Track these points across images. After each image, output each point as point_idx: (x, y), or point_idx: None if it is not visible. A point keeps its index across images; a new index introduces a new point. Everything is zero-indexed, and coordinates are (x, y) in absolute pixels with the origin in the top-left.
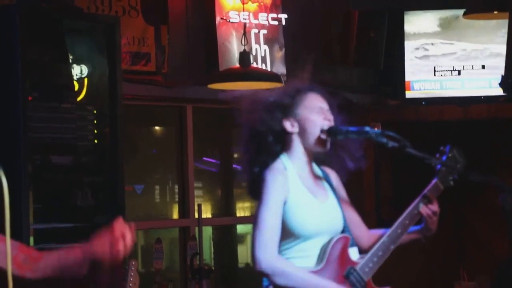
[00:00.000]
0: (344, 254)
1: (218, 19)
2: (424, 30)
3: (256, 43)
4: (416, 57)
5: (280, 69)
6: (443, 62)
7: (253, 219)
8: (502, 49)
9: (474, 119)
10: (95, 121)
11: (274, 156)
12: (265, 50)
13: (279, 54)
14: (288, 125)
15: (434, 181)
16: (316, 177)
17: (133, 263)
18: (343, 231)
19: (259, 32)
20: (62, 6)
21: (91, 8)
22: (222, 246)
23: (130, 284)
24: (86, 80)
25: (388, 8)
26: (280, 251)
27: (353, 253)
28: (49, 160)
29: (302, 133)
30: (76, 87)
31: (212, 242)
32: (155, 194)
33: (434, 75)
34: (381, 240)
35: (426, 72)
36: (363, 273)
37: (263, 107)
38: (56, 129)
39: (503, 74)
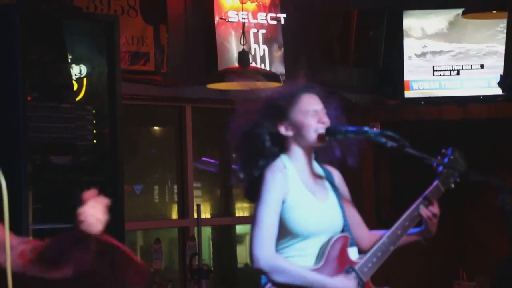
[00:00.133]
0: (343, 253)
1: (217, 18)
2: (423, 29)
3: (255, 42)
4: (415, 56)
5: (279, 68)
6: (442, 61)
7: (252, 215)
8: (501, 48)
9: (474, 119)
10: (94, 121)
11: (273, 157)
12: (264, 50)
13: (278, 53)
14: (283, 129)
15: (435, 183)
16: (317, 176)
17: None
18: (343, 231)
19: (258, 31)
20: (62, 5)
21: (90, 7)
22: (221, 246)
23: None
24: (85, 79)
25: (387, 8)
26: (279, 250)
27: (352, 253)
28: (49, 160)
29: (297, 136)
30: (75, 87)
31: (211, 242)
32: (154, 194)
33: (433, 75)
34: (381, 241)
35: (425, 71)
36: (362, 273)
37: (259, 111)
38: (56, 129)
39: (502, 73)
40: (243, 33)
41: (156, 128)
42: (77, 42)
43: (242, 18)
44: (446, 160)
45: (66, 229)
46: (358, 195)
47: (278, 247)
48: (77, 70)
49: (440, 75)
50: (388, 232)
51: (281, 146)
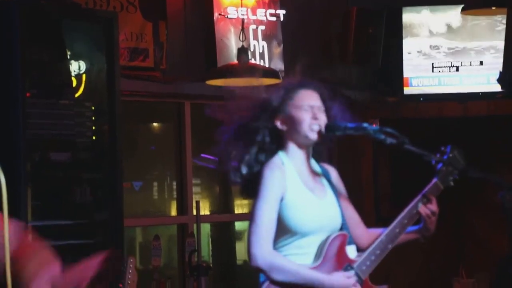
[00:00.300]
0: (341, 251)
1: (216, 15)
2: (422, 26)
3: (254, 39)
4: (414, 53)
5: (278, 65)
6: (441, 58)
7: (250, 212)
8: (500, 45)
9: (473, 115)
10: (93, 118)
11: (269, 154)
12: (263, 46)
13: (277, 50)
14: (279, 123)
15: (434, 180)
16: (315, 173)
17: (131, 260)
18: (341, 229)
19: (257, 28)
20: (61, 3)
21: (89, 3)
22: (220, 243)
23: (128, 282)
24: (84, 76)
25: (387, 6)
26: (277, 248)
27: (351, 251)
28: (48, 157)
29: (291, 131)
30: (74, 83)
31: (210, 239)
32: (153, 190)
33: (432, 71)
34: (379, 239)
35: (424, 68)
36: (360, 271)
37: (258, 106)
38: (55, 125)
39: (501, 70)
40: (242, 29)
41: (155, 124)
42: (76, 39)
43: (241, 15)
44: (445, 157)
45: (64, 225)
46: (357, 193)
47: (277, 245)
48: (76, 67)
49: (439, 71)
50: (387, 230)
51: (278, 142)
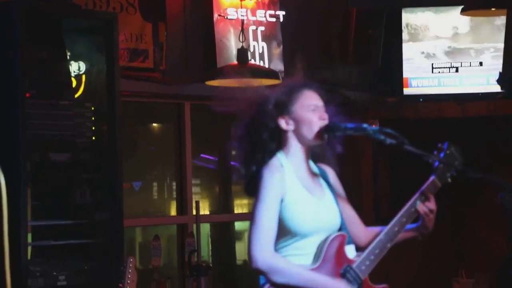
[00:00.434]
0: (340, 252)
1: (215, 16)
2: (421, 27)
3: (254, 40)
4: (414, 54)
5: (278, 66)
6: (441, 59)
7: (250, 215)
8: (500, 45)
9: (473, 116)
10: (93, 118)
11: (271, 153)
12: (263, 47)
13: (277, 51)
14: (283, 123)
15: (431, 178)
16: (313, 174)
17: (131, 260)
18: (340, 229)
19: (257, 29)
20: (60, 3)
21: (89, 4)
22: (220, 243)
23: (128, 281)
24: (84, 77)
25: (386, 6)
26: (277, 249)
27: (350, 251)
28: (47, 157)
29: (298, 131)
30: (74, 84)
31: (210, 239)
32: (153, 191)
33: (432, 72)
34: (378, 238)
35: (424, 69)
36: (360, 271)
37: (259, 104)
38: (54, 126)
39: (501, 71)
40: (242, 30)
41: (155, 125)
42: (76, 39)
43: (241, 15)
44: (442, 155)
45: (64, 226)
46: (357, 193)
47: (276, 246)
48: (76, 67)
49: (439, 72)
50: (385, 229)
51: (279, 141)
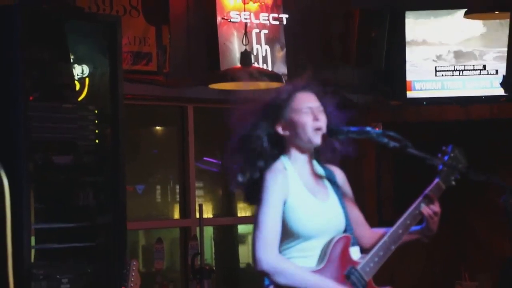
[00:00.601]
0: (345, 253)
1: (219, 19)
2: (425, 30)
3: (257, 43)
4: (417, 56)
5: (281, 69)
6: (445, 62)
7: (254, 218)
8: (504, 49)
9: (476, 119)
10: (96, 121)
11: (271, 160)
12: (266, 50)
13: (280, 54)
14: (280, 129)
15: (435, 181)
16: (318, 176)
17: (134, 263)
18: (345, 231)
19: (260, 32)
20: (63, 6)
21: (92, 7)
22: (223, 246)
23: (131, 284)
24: (87, 80)
25: (390, 8)
26: (281, 251)
27: (354, 253)
28: (51, 160)
29: (294, 135)
30: (77, 87)
31: (213, 242)
32: (156, 194)
33: (435, 75)
34: (382, 240)
35: (427, 72)
36: (364, 273)
37: (256, 113)
38: (57, 129)
39: (504, 74)
40: (245, 33)
41: (158, 128)
42: (79, 42)
43: (244, 19)
44: (446, 157)
45: (67, 229)
46: (360, 196)
47: (281, 248)
48: (79, 70)
49: (442, 75)
50: (390, 231)
51: (280, 147)
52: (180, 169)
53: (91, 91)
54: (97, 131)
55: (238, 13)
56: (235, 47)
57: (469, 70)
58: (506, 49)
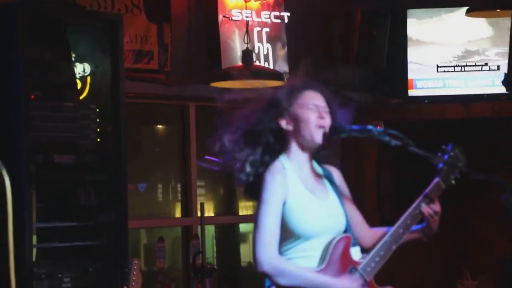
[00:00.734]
0: (346, 254)
1: (220, 17)
2: (427, 28)
3: (258, 41)
4: (419, 55)
5: (283, 67)
6: (446, 60)
7: (254, 219)
8: (505, 47)
9: (477, 117)
10: (97, 120)
11: (274, 155)
12: (267, 48)
13: (282, 52)
14: (284, 123)
15: (436, 180)
16: (317, 175)
17: (136, 262)
18: (345, 230)
19: (261, 30)
20: (64, 4)
21: (94, 5)
22: (224, 244)
23: (133, 283)
24: (88, 78)
25: (391, 7)
26: (282, 252)
27: (355, 253)
28: (52, 159)
29: (297, 131)
30: (79, 85)
31: (214, 241)
32: (157, 192)
33: (437, 73)
34: (383, 240)
35: (428, 70)
36: (365, 273)
37: (260, 106)
38: (59, 128)
39: (506, 72)
40: (247, 31)
41: (159, 126)
42: (81, 41)
43: (246, 17)
44: (446, 156)
45: (69, 228)
46: (361, 195)
47: (281, 248)
48: (81, 69)
49: (444, 71)
50: (390, 231)
51: (282, 144)
52: (182, 168)
53: (93, 90)
54: (98, 130)
55: (239, 11)
56: (237, 45)
57: (470, 66)
58: (507, 45)
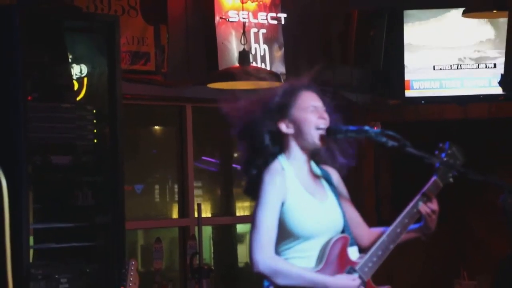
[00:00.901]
0: (343, 254)
1: (217, 18)
2: (423, 29)
3: (255, 42)
4: (415, 56)
5: (280, 68)
6: (443, 61)
7: (251, 219)
8: (502, 47)
9: (474, 118)
10: (94, 121)
11: (273, 157)
12: (264, 50)
13: (279, 53)
14: (284, 126)
15: (433, 178)
16: (315, 176)
17: (133, 262)
18: (343, 231)
19: (258, 31)
20: (61, 6)
21: (90, 7)
22: (221, 245)
23: (130, 284)
24: (85, 79)
25: (388, 8)
26: (279, 252)
27: (353, 253)
28: (49, 160)
29: (298, 133)
30: (76, 86)
31: (211, 242)
32: (155, 193)
33: (434, 74)
34: (381, 240)
35: (425, 71)
36: (363, 273)
37: (259, 110)
38: (56, 129)
39: (503, 72)
40: (244, 32)
41: (156, 127)
42: (78, 42)
43: (243, 18)
44: (443, 155)
45: (66, 229)
46: (359, 195)
47: (279, 249)
48: (78, 70)
49: (440, 74)
50: (388, 231)
51: (280, 145)
52: (179, 169)
53: (90, 91)
54: (95, 131)
55: (236, 12)
56: (234, 47)
57: (467, 68)
58: (504, 46)
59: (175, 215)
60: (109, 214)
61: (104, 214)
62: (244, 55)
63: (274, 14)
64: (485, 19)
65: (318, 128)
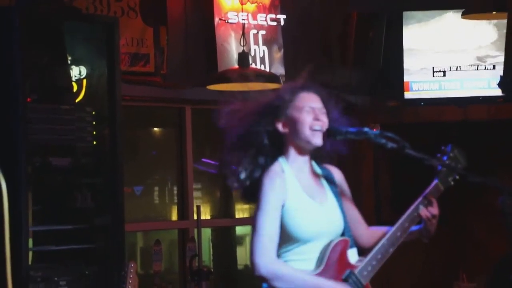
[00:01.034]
0: (343, 257)
1: (216, 20)
2: (422, 30)
3: (255, 44)
4: (415, 57)
5: (279, 69)
6: (442, 62)
7: (251, 222)
8: (501, 49)
9: (474, 120)
10: (94, 123)
11: (272, 159)
12: (263, 51)
13: (278, 54)
14: (280, 126)
15: (434, 182)
16: (316, 177)
17: (132, 265)
18: (343, 233)
19: (257, 32)
20: (61, 7)
21: (90, 8)
22: (221, 247)
23: (129, 286)
24: (85, 81)
25: (387, 10)
26: (279, 254)
27: (352, 256)
28: (48, 162)
29: (293, 133)
30: (75, 88)
31: (211, 244)
32: (154, 195)
33: (433, 75)
34: (381, 243)
35: (425, 72)
36: (362, 276)
37: (256, 109)
38: (55, 130)
39: (502, 74)
40: (243, 34)
41: (156, 129)
42: (77, 44)
43: (242, 19)
44: (445, 158)
45: (65, 230)
46: (358, 197)
47: (279, 251)
48: (77, 72)
49: (440, 76)
50: (388, 234)
51: (280, 147)
52: (178, 171)
53: (89, 93)
54: (94, 133)
55: (235, 14)
56: (233, 48)
57: (466, 70)
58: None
59: (174, 217)
60: (109, 216)
61: (104, 216)
62: (243, 57)
63: (273, 16)
64: (485, 21)
65: (312, 129)
